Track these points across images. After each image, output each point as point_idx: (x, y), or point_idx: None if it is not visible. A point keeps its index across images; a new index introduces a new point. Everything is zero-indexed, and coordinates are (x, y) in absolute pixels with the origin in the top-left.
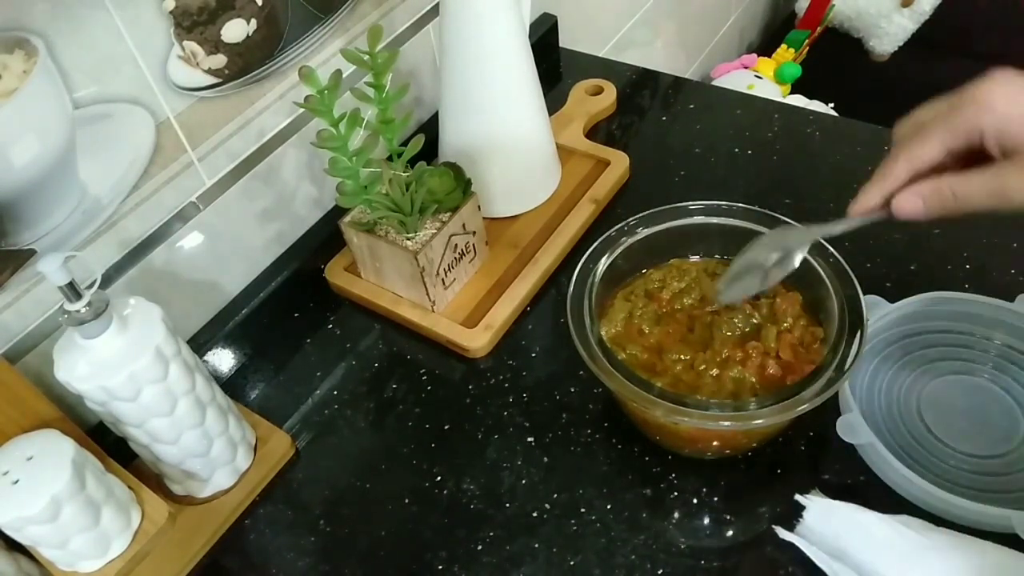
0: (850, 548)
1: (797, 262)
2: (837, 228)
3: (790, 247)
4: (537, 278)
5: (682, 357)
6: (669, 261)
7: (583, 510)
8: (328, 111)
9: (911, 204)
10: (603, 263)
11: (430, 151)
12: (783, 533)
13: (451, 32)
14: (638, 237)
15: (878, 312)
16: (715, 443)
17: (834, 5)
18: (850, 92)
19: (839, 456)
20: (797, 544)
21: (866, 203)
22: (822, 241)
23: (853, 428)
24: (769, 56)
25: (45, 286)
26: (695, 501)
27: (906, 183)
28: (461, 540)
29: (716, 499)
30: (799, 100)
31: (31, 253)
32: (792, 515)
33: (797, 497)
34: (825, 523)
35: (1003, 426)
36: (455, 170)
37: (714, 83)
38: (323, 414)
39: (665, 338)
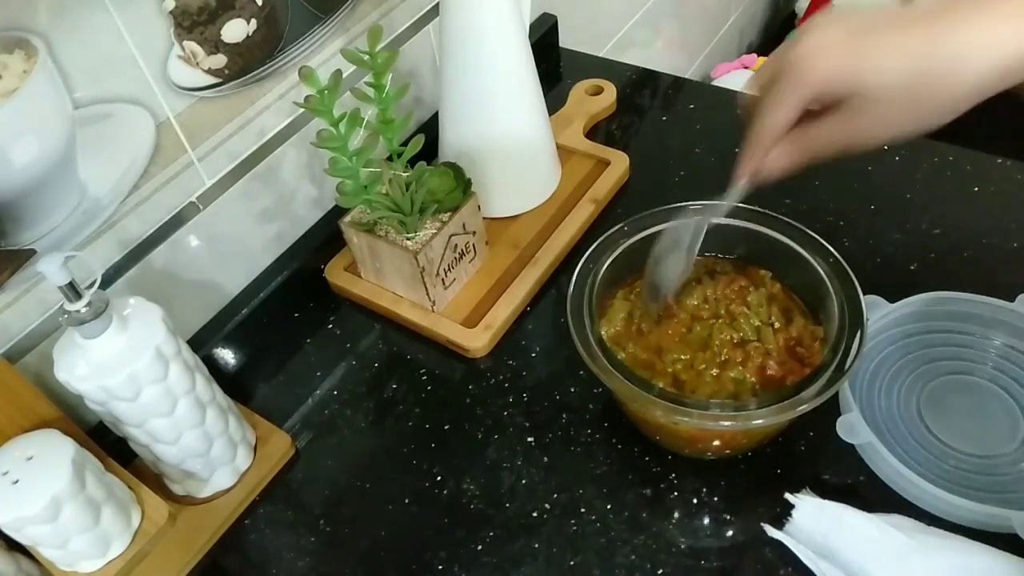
0: (838, 548)
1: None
2: (728, 202)
3: (694, 232)
4: (537, 278)
5: (682, 357)
6: None
7: (583, 510)
8: (328, 111)
9: (781, 162)
10: (603, 263)
11: (430, 151)
12: (771, 531)
13: (451, 32)
14: (638, 237)
15: (878, 312)
16: (715, 443)
17: (834, 5)
18: None
19: (839, 456)
20: (785, 542)
21: (750, 168)
22: (822, 241)
23: (853, 428)
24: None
25: (45, 286)
26: (695, 501)
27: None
28: (461, 540)
29: (716, 499)
30: None
31: (31, 253)
32: (787, 514)
33: (787, 496)
34: (814, 522)
35: (1003, 426)
36: (455, 170)
37: (714, 83)
38: (323, 414)
39: (665, 338)
